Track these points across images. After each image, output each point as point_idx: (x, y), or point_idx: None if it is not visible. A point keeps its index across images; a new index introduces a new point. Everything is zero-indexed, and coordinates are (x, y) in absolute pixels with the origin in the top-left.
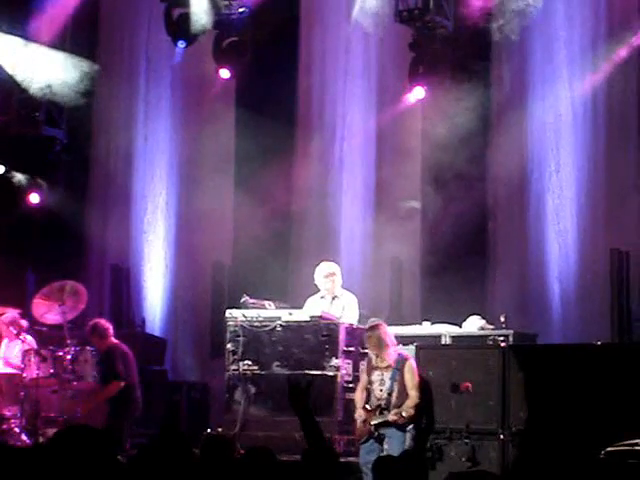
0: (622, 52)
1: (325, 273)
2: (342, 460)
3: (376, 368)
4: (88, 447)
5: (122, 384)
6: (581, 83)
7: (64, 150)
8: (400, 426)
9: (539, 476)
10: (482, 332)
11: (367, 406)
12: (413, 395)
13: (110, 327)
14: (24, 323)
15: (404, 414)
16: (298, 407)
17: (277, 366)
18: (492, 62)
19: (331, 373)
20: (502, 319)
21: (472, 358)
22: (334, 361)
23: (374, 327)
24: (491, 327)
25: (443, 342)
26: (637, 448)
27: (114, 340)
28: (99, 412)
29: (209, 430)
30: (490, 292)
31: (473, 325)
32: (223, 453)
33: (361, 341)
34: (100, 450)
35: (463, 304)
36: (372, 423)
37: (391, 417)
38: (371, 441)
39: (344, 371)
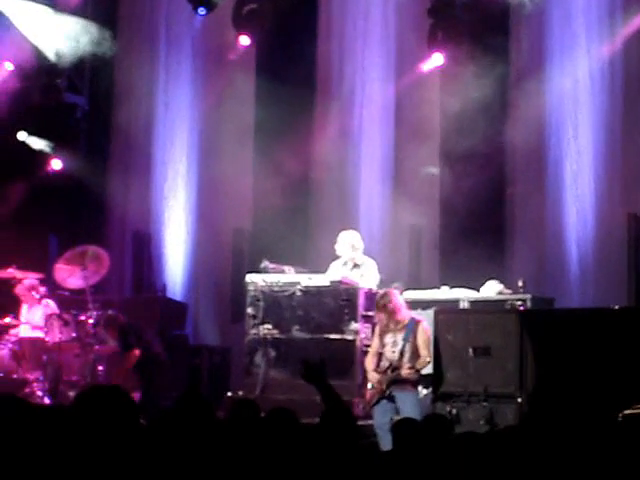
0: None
1: (348, 243)
2: (360, 423)
3: (388, 331)
4: (111, 408)
5: (137, 352)
6: (599, 50)
7: (85, 117)
8: (412, 386)
9: (555, 438)
10: (500, 297)
11: (378, 368)
12: (424, 354)
13: (117, 316)
14: (43, 289)
15: (418, 367)
16: (316, 384)
17: (297, 330)
18: (511, 28)
19: (350, 337)
20: (520, 284)
21: (490, 322)
22: (353, 325)
23: (384, 294)
24: (509, 292)
25: (461, 307)
26: None
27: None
28: (122, 377)
29: (230, 393)
30: (508, 257)
31: (491, 290)
32: (250, 416)
33: None
34: (123, 411)
35: (481, 269)
36: (385, 381)
37: (404, 372)
38: (384, 402)
39: (363, 335)
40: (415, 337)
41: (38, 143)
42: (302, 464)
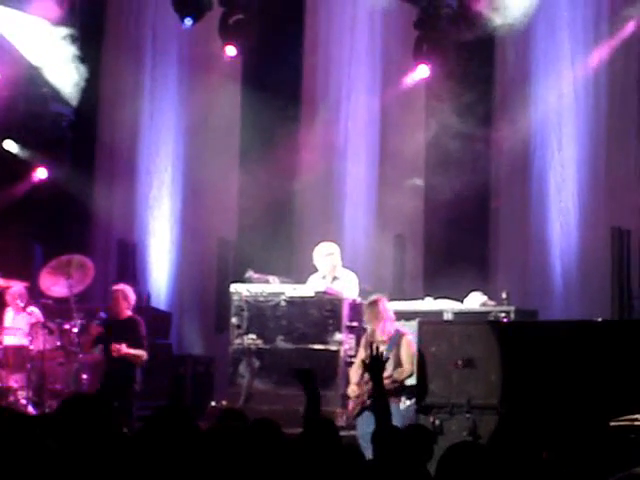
0: (624, 31)
1: (324, 253)
2: (344, 434)
3: (374, 342)
4: (93, 416)
5: (145, 357)
6: (584, 62)
7: (71, 126)
8: (394, 398)
9: (539, 451)
10: (484, 308)
11: (361, 380)
12: (407, 368)
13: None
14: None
15: (397, 376)
16: (308, 387)
17: (281, 340)
18: (496, 41)
19: (334, 348)
20: (504, 295)
21: (474, 334)
22: (337, 336)
23: (374, 301)
24: (493, 303)
25: (445, 318)
26: (637, 423)
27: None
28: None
29: (213, 403)
30: (492, 269)
31: (475, 301)
32: (237, 426)
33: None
34: (105, 420)
35: (465, 281)
36: (366, 392)
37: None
38: (365, 413)
39: (347, 346)
40: (399, 349)
41: (23, 152)
42: (284, 475)
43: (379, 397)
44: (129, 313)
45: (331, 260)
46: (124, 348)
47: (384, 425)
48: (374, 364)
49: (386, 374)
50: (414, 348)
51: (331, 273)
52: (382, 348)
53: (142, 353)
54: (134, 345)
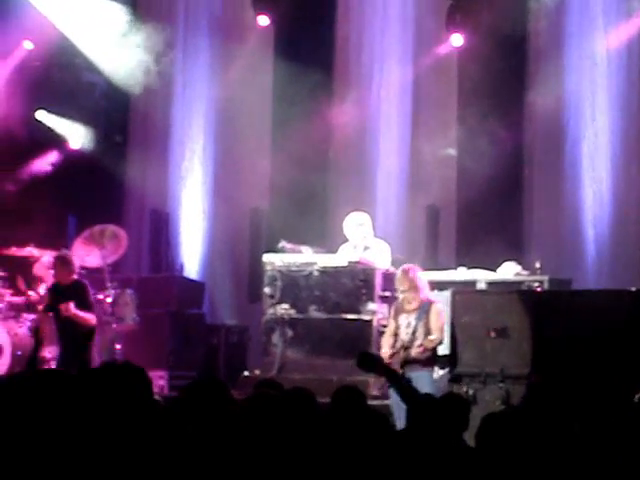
0: None
1: (355, 223)
2: (377, 403)
3: (403, 311)
4: (124, 384)
5: (94, 322)
6: (617, 32)
7: (104, 96)
8: (426, 366)
9: (572, 419)
10: (517, 278)
11: (393, 349)
12: (437, 335)
13: (77, 262)
14: None
15: (427, 345)
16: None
17: (314, 310)
18: (530, 11)
19: (367, 317)
20: (537, 265)
21: (507, 303)
22: (370, 305)
23: (407, 269)
24: (526, 273)
25: (478, 288)
26: None
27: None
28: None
29: (247, 373)
30: (525, 238)
31: (508, 271)
32: (273, 394)
33: None
34: (135, 387)
35: (499, 251)
36: (398, 362)
37: (414, 351)
38: None
39: (380, 315)
40: (428, 317)
41: (57, 122)
42: (319, 443)
43: (392, 383)
44: (74, 277)
45: (361, 230)
46: (72, 308)
47: (411, 400)
48: (365, 360)
49: (417, 343)
50: (443, 316)
51: (362, 243)
52: (412, 318)
53: (90, 317)
54: (80, 308)
